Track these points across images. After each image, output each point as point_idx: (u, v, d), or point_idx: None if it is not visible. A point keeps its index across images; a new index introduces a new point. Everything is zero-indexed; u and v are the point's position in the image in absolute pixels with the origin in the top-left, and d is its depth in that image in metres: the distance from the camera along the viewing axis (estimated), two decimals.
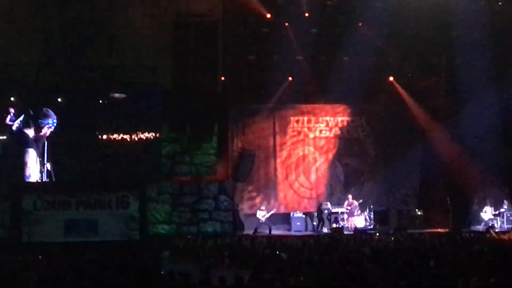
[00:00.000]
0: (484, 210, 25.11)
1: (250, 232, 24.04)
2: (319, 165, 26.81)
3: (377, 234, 22.92)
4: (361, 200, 25.40)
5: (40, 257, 16.03)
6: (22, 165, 21.56)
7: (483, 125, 25.66)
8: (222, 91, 24.45)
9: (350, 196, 25.40)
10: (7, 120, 21.79)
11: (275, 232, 24.34)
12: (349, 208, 25.07)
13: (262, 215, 24.69)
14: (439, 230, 24.24)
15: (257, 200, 26.02)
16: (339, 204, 25.90)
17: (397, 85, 26.65)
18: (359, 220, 24.91)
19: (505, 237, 22.11)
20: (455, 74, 25.92)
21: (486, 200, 25.40)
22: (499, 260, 14.03)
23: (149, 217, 22.36)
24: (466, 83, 25.30)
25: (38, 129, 21.73)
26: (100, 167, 22.63)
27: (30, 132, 21.72)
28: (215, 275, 12.56)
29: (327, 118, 27.02)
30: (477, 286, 11.52)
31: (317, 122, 26.97)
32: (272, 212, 24.95)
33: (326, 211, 25.47)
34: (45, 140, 21.78)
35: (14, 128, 21.76)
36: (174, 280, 12.10)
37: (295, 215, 25.60)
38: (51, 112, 21.93)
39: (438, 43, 26.11)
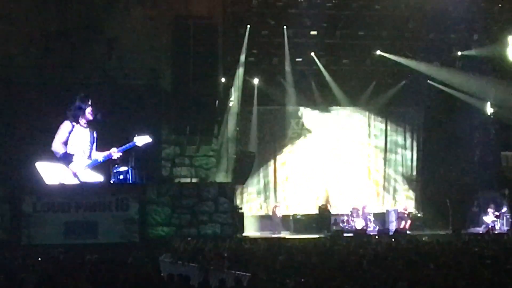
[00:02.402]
0: (486, 212, 25.10)
1: (250, 234, 24.04)
2: (319, 167, 26.79)
3: (377, 236, 22.90)
4: (366, 205, 25.47)
5: (39, 259, 16.01)
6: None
7: (481, 126, 25.71)
8: (222, 92, 24.42)
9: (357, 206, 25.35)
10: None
11: (275, 234, 24.33)
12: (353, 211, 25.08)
13: (277, 211, 24.88)
14: (438, 232, 24.23)
15: (257, 202, 26.01)
16: (338, 206, 25.91)
17: None
18: (359, 222, 24.90)
19: None
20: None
21: (488, 202, 25.38)
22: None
23: (148, 219, 22.30)
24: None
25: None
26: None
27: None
28: (215, 278, 12.55)
29: (327, 120, 27.02)
30: None
31: (316, 123, 26.97)
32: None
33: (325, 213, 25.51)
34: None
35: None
36: (174, 282, 12.08)
37: (297, 217, 25.58)
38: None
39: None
